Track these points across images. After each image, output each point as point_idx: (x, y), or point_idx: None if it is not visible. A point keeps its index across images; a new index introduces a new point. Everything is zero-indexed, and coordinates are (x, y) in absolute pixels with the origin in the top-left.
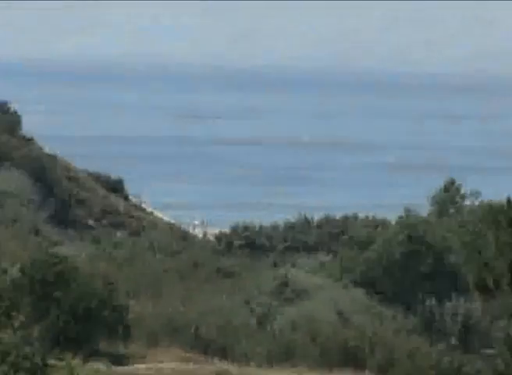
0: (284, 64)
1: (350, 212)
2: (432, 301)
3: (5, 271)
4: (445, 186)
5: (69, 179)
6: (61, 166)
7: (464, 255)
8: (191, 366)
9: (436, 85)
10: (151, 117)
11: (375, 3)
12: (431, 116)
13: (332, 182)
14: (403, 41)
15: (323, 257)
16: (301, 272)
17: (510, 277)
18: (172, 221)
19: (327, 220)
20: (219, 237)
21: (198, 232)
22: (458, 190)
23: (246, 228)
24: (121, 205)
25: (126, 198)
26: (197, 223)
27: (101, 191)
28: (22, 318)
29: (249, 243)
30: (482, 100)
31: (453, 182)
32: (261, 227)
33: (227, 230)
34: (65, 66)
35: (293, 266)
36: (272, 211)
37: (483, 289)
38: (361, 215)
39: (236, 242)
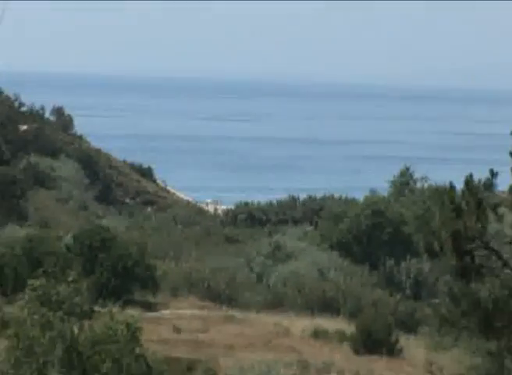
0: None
1: (327, 193)
2: (390, 262)
3: (60, 238)
4: (401, 172)
5: (110, 167)
6: (104, 157)
7: (415, 226)
8: (205, 312)
9: (386, 94)
10: (182, 120)
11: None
12: (389, 118)
13: (313, 170)
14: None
15: (307, 227)
16: (290, 239)
17: (451, 243)
18: (190, 200)
19: (310, 199)
20: (226, 212)
21: (210, 208)
22: (411, 175)
23: (247, 205)
24: (150, 187)
25: (154, 181)
26: (209, 201)
27: (135, 176)
28: (74, 275)
29: (249, 217)
30: (425, 106)
31: (407, 169)
32: (258, 204)
33: (232, 206)
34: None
35: (284, 234)
36: (266, 192)
37: (430, 252)
38: (336, 195)
39: (240, 216)
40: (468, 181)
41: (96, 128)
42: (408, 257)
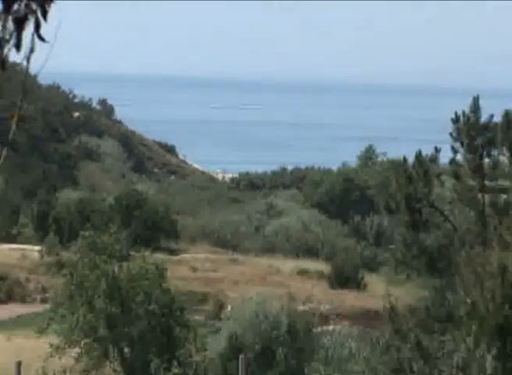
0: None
1: (309, 165)
2: (358, 218)
3: (104, 199)
4: (366, 149)
5: (143, 145)
6: (137, 137)
7: (377, 190)
8: (215, 255)
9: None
10: (199, 109)
11: None
12: (352, 107)
13: (299, 147)
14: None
15: (294, 191)
16: (280, 200)
17: (404, 203)
18: (204, 170)
19: (296, 169)
20: (232, 179)
21: (220, 176)
22: (374, 151)
23: (247, 174)
24: (173, 160)
25: (176, 156)
26: (218, 171)
27: (161, 152)
28: (114, 228)
29: (249, 183)
30: (382, 97)
31: (371, 146)
32: (256, 173)
33: (237, 175)
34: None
35: (276, 196)
36: (263, 164)
37: (389, 210)
38: (316, 166)
39: (242, 182)
40: (418, 155)
41: (132, 115)
42: (371, 214)
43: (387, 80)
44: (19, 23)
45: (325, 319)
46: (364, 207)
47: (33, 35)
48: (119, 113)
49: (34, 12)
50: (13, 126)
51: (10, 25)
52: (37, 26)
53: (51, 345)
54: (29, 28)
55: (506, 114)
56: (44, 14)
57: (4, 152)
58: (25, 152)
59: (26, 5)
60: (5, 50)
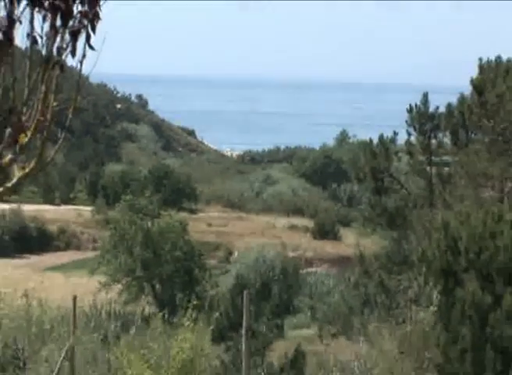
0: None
1: (297, 145)
2: (335, 185)
3: (140, 171)
4: (341, 132)
5: (170, 129)
6: (166, 123)
7: (349, 164)
8: (225, 214)
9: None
10: (215, 101)
11: None
12: (332, 101)
13: (290, 131)
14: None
15: (285, 165)
16: (275, 171)
17: (370, 174)
18: (217, 148)
19: (287, 148)
20: (238, 156)
21: (228, 153)
22: (347, 134)
23: (250, 151)
24: (193, 141)
25: (195, 138)
26: (228, 149)
27: (184, 135)
28: (148, 193)
29: (252, 158)
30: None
31: (344, 130)
32: (257, 151)
33: (242, 152)
34: None
35: (272, 168)
36: (262, 144)
37: (358, 179)
38: (303, 146)
39: (246, 158)
40: (380, 138)
41: (162, 107)
42: (345, 182)
43: (364, 79)
44: (74, 35)
45: (309, 262)
46: (339, 177)
47: (84, 45)
48: (153, 105)
49: (85, 26)
50: (70, 115)
51: (67, 37)
52: (88, 38)
53: (100, 283)
54: (81, 39)
55: (448, 106)
56: (93, 28)
57: (63, 135)
58: (79, 135)
59: (79, 21)
60: (63, 56)
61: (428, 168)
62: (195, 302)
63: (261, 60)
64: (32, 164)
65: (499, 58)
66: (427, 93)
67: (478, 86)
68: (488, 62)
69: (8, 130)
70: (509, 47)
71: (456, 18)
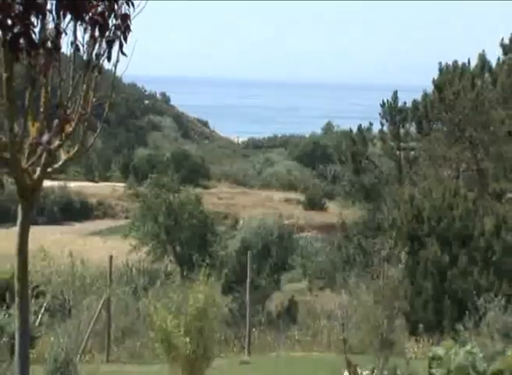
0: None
1: (291, 133)
2: (321, 166)
3: (163, 155)
4: (327, 123)
5: (188, 121)
6: (184, 115)
7: (334, 149)
8: (232, 189)
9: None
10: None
11: None
12: (321, 97)
13: (285, 122)
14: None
15: (281, 150)
16: (273, 155)
17: (351, 157)
18: (226, 136)
19: (283, 136)
20: (243, 142)
21: (235, 140)
22: (332, 125)
23: (252, 138)
24: (207, 130)
25: (209, 127)
26: (235, 136)
27: (200, 125)
28: (170, 172)
29: (254, 144)
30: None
31: (330, 122)
32: (258, 138)
33: (246, 139)
34: None
35: (270, 152)
36: (262, 133)
37: (341, 161)
38: (297, 134)
39: (250, 144)
40: (359, 127)
41: (181, 102)
42: (330, 164)
43: (356, 79)
44: (109, 44)
45: (301, 229)
46: (325, 160)
47: (118, 51)
48: (175, 100)
49: (118, 37)
50: (106, 109)
51: (104, 45)
52: (121, 46)
53: (131, 245)
54: (115, 47)
55: (414, 101)
56: (125, 38)
57: (100, 125)
58: (114, 125)
59: (114, 33)
60: (101, 61)
61: (397, 152)
62: (208, 261)
63: (265, 63)
64: (75, 149)
65: (455, 62)
66: (396, 91)
67: (439, 85)
68: (447, 65)
69: (56, 121)
70: (464, 51)
71: (419, 24)
